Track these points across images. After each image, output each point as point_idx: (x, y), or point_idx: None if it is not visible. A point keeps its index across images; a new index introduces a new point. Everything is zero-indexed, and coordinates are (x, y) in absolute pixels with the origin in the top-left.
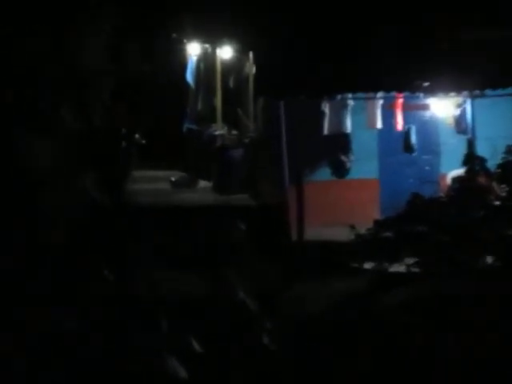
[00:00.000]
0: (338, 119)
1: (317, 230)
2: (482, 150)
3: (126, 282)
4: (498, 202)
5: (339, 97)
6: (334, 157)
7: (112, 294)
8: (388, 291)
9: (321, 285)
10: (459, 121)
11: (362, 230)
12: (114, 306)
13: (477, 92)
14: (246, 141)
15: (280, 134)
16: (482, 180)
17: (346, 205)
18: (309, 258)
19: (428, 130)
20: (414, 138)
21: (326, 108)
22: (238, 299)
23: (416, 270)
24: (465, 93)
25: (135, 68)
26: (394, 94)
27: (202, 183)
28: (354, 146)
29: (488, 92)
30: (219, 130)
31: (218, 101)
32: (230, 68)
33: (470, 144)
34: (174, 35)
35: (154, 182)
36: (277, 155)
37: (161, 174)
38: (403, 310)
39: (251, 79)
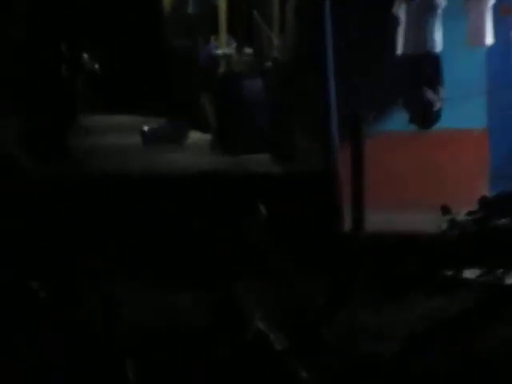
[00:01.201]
0: (421, 30)
1: (385, 215)
2: None
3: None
4: None
5: None
6: (413, 92)
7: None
8: (505, 317)
9: (393, 307)
10: None
11: (461, 215)
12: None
13: None
14: (268, 65)
15: (325, 52)
16: None
17: (431, 173)
18: (372, 262)
19: None
20: None
21: (401, 10)
22: (253, 332)
23: None
24: None
25: None
26: None
27: (195, 135)
28: (447, 75)
29: None
30: (223, 46)
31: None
32: None
33: None
34: None
35: (115, 134)
36: (319, 89)
37: (127, 120)
38: None
39: None
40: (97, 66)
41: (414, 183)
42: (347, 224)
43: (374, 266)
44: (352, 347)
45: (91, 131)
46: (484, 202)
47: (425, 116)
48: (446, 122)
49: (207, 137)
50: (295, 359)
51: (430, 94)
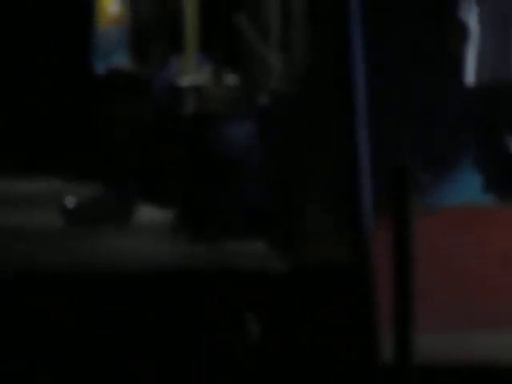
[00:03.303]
0: (503, 47)
1: (448, 336)
2: None
3: None
4: None
5: None
6: (491, 143)
7: None
8: None
9: None
10: None
11: None
12: None
13: None
14: (263, 100)
15: (351, 80)
16: None
17: None
18: None
19: None
20: None
21: (473, 16)
22: None
23: None
24: None
25: None
26: None
27: (149, 213)
28: None
29: None
30: (192, 72)
31: None
32: None
33: None
34: None
35: (21, 210)
36: (345, 138)
37: (40, 188)
38: None
39: None
40: None
41: (494, 285)
42: (387, 351)
43: None
44: None
45: None
46: None
47: (508, 180)
48: None
49: (167, 214)
50: None
51: None
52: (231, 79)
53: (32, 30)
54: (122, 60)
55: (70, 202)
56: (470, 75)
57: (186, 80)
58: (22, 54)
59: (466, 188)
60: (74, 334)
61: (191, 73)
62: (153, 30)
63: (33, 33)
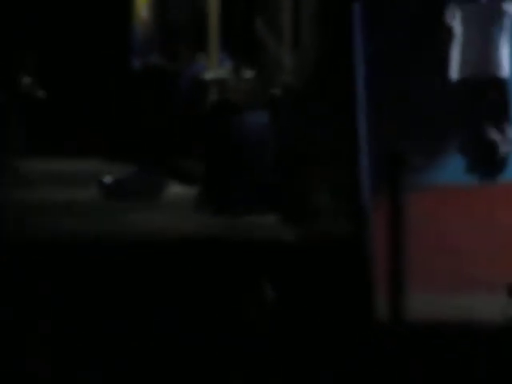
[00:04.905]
0: (484, 47)
1: (434, 298)
2: None
3: None
4: None
5: None
6: (472, 132)
7: None
8: None
9: None
10: None
11: None
12: None
13: None
14: (276, 93)
15: (353, 77)
16: None
17: (498, 241)
18: (416, 361)
19: None
20: None
21: (457, 20)
22: None
23: None
24: None
25: None
26: None
27: (176, 190)
28: None
29: None
30: (215, 68)
31: (213, 2)
32: None
33: None
34: None
35: (65, 187)
36: (346, 127)
37: (83, 167)
38: None
39: None
40: (41, 93)
41: (474, 254)
42: (382, 310)
43: (418, 363)
44: None
45: (35, 182)
46: None
47: (488, 163)
48: None
49: (192, 191)
50: None
51: (493, 134)
52: (248, 74)
53: (79, 32)
54: (155, 58)
55: (108, 180)
56: (455, 72)
57: (210, 74)
58: (71, 51)
59: (452, 169)
60: (109, 291)
61: (214, 68)
62: (181, 32)
63: (80, 34)
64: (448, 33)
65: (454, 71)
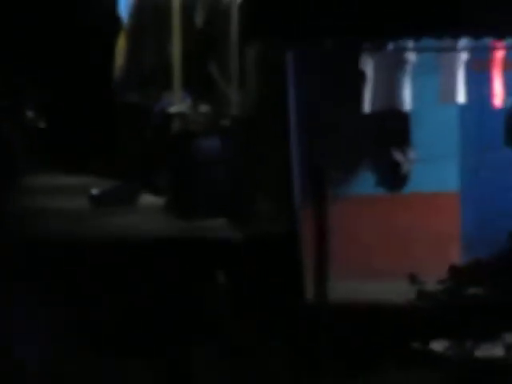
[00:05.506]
0: (389, 87)
1: (350, 285)
2: None
3: None
4: None
5: (391, 45)
6: (380, 153)
7: None
8: None
9: (360, 378)
10: None
11: (430, 284)
12: None
13: None
14: (226, 123)
15: (286, 110)
16: None
17: (400, 239)
18: (337, 335)
19: None
20: None
21: (369, 66)
22: None
23: None
24: None
25: None
26: (489, 42)
27: (148, 199)
28: (417, 134)
29: None
30: (178, 103)
31: (176, 51)
32: None
33: None
34: None
35: (59, 197)
36: (281, 149)
37: (73, 182)
38: None
39: (234, 12)
40: (41, 124)
41: (381, 250)
42: (310, 293)
43: (340, 338)
44: None
45: (35, 193)
46: (454, 270)
47: (392, 178)
48: (415, 185)
49: (160, 200)
50: None
51: (397, 155)
52: (204, 108)
53: (72, 75)
54: (132, 96)
55: (95, 191)
56: (368, 106)
57: (174, 108)
58: (66, 90)
59: (365, 183)
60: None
61: (178, 104)
62: (151, 75)
63: (73, 77)
64: (362, 76)
65: (367, 105)
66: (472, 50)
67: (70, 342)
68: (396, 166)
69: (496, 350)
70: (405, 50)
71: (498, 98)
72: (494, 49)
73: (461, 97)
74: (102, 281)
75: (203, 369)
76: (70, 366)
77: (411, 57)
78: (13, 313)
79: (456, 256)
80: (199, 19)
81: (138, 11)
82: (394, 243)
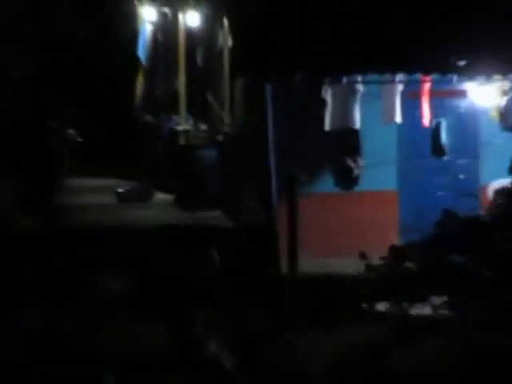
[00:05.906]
0: (344, 110)
1: (315, 261)
2: None
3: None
4: None
5: (345, 79)
6: (338, 161)
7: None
8: (409, 343)
9: (321, 334)
10: (506, 113)
11: (376, 260)
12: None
13: None
14: (220, 138)
15: (266, 129)
16: None
17: (353, 226)
18: (305, 299)
19: (464, 125)
20: (445, 137)
21: (328, 95)
22: (209, 354)
23: (446, 312)
24: None
25: (66, 33)
26: (418, 76)
27: (160, 196)
28: (365, 146)
29: None
30: (183, 123)
31: (182, 84)
32: (197, 39)
33: None
34: None
35: (93, 195)
36: (262, 158)
37: (104, 183)
38: (429, 368)
39: (226, 54)
40: (79, 139)
41: (340, 234)
42: (284, 267)
43: (307, 301)
44: (288, 366)
45: (74, 192)
46: (393, 249)
47: (346, 180)
48: (364, 185)
49: (170, 197)
50: (242, 376)
51: (350, 163)
52: (203, 127)
53: (103, 102)
54: (147, 117)
55: (120, 190)
56: (328, 125)
57: (180, 127)
58: (99, 115)
59: (326, 183)
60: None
61: (183, 123)
62: (162, 101)
63: (103, 104)
64: (323, 102)
65: (328, 125)
66: (406, 83)
67: (112, 304)
68: (349, 170)
69: (425, 310)
70: (355, 82)
71: (426, 118)
72: (423, 81)
73: (398, 118)
74: (127, 257)
75: (202, 329)
76: (110, 324)
77: (360, 88)
78: (63, 284)
79: (395, 239)
80: (199, 60)
81: (152, 54)
82: (350, 229)
